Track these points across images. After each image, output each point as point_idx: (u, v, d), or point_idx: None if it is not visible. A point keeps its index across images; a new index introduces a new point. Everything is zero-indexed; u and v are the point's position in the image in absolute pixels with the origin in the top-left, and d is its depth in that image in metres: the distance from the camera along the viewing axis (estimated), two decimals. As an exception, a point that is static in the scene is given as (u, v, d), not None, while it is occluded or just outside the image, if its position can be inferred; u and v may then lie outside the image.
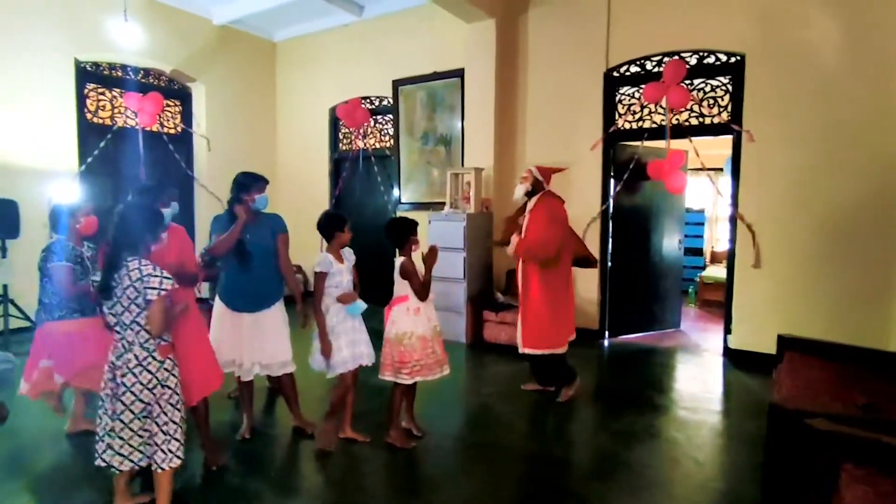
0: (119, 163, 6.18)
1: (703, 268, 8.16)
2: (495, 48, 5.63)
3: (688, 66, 4.76)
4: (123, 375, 2.09)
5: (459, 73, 6.03)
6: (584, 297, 5.52)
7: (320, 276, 2.81)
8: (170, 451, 2.16)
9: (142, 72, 6.50)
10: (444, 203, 5.86)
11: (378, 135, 7.10)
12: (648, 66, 5.21)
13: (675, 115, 5.00)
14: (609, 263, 5.50)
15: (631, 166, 5.24)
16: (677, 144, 5.00)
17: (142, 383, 2.11)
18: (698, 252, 8.53)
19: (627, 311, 5.58)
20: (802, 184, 4.44)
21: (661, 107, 5.07)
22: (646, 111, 5.28)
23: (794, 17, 4.42)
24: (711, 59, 4.88)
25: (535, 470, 2.82)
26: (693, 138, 4.95)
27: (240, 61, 7.33)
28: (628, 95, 5.37)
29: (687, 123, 5.04)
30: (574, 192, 5.54)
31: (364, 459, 2.92)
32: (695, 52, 4.94)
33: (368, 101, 7.00)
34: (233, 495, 2.53)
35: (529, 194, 3.82)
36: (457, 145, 6.15)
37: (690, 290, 7.50)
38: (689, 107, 4.93)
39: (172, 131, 6.84)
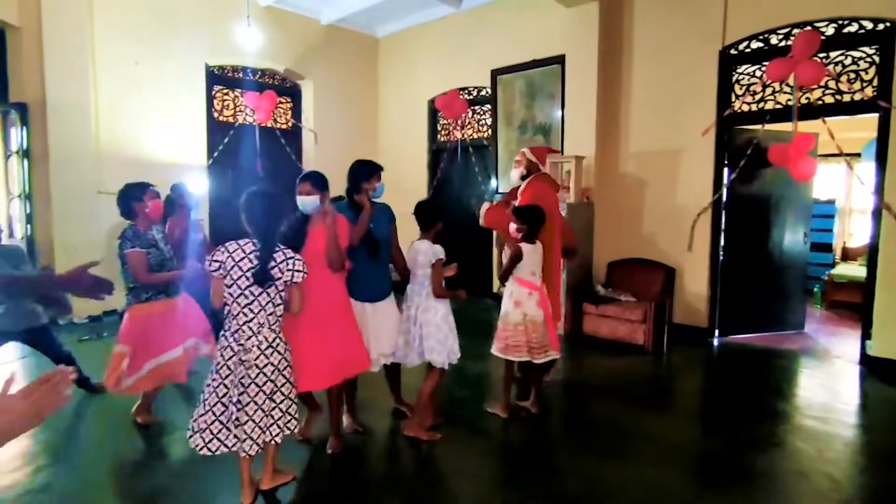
0: (239, 157, 6.75)
1: (833, 265, 7.31)
2: (597, 31, 5.40)
3: (823, 37, 4.25)
4: (256, 358, 2.19)
5: (559, 60, 5.86)
6: (691, 292, 5.17)
7: (440, 263, 2.84)
8: (285, 423, 2.28)
9: (258, 72, 7.03)
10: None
11: (476, 125, 7.12)
12: (773, 40, 4.72)
13: (804, 93, 4.50)
14: (721, 257, 5.09)
15: (749, 152, 4.80)
16: (805, 127, 4.50)
17: (273, 364, 2.22)
18: (826, 248, 7.64)
19: (742, 308, 5.14)
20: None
21: (787, 85, 4.58)
22: (768, 91, 4.79)
23: (964, -28, 3.78)
24: (853, 28, 4.31)
25: (642, 473, 2.68)
26: (827, 119, 4.42)
27: (345, 58, 7.68)
28: (748, 74, 4.90)
29: (819, 102, 4.51)
30: (682, 180, 5.21)
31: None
32: (832, 20, 4.39)
33: (466, 91, 7.03)
34: (345, 477, 2.70)
35: (525, 177, 3.68)
36: (556, 134, 6.00)
37: (816, 289, 6.74)
38: (823, 83, 4.41)
39: (284, 126, 7.34)
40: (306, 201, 2.60)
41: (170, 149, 6.03)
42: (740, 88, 4.93)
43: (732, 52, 4.92)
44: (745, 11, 4.78)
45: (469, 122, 7.16)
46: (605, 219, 5.59)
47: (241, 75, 6.87)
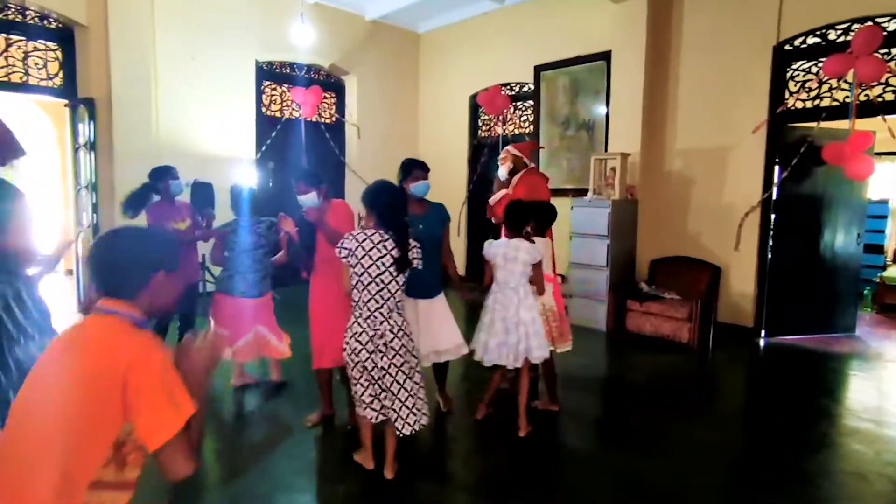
0: (285, 150, 6.94)
1: (884, 267, 7.08)
2: (646, 27, 5.36)
3: (884, 33, 4.14)
4: (391, 341, 2.34)
5: (605, 56, 5.84)
6: (737, 292, 5.12)
7: (541, 262, 2.91)
8: (415, 411, 2.41)
9: (305, 68, 7.21)
10: (584, 190, 5.77)
11: (517, 121, 7.15)
12: (832, 35, 4.62)
13: (863, 90, 4.39)
14: (769, 256, 5.02)
15: (802, 150, 4.71)
16: (861, 124, 4.39)
17: (405, 346, 2.39)
18: (878, 249, 7.41)
19: (789, 309, 5.05)
20: None
21: (845, 82, 4.48)
22: (825, 88, 4.70)
23: None
24: (918, 24, 4.19)
25: (688, 472, 2.70)
26: (887, 116, 4.31)
27: (387, 54, 7.79)
28: (803, 71, 4.81)
29: (880, 100, 4.39)
30: (730, 178, 5.15)
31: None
32: (894, 15, 4.27)
33: (509, 87, 7.05)
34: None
35: (512, 173, 3.72)
36: (600, 130, 5.99)
37: (866, 292, 6.56)
38: (883, 80, 4.30)
39: (328, 121, 7.51)
40: (305, 199, 2.81)
41: (221, 142, 6.25)
42: (795, 85, 4.83)
43: (787, 47, 4.83)
44: (802, 6, 4.68)
45: (511, 118, 7.19)
46: (649, 216, 5.56)
47: (288, 71, 7.06)
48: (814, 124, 4.70)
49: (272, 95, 6.96)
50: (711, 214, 5.27)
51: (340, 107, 7.63)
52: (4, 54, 5.11)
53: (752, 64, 4.96)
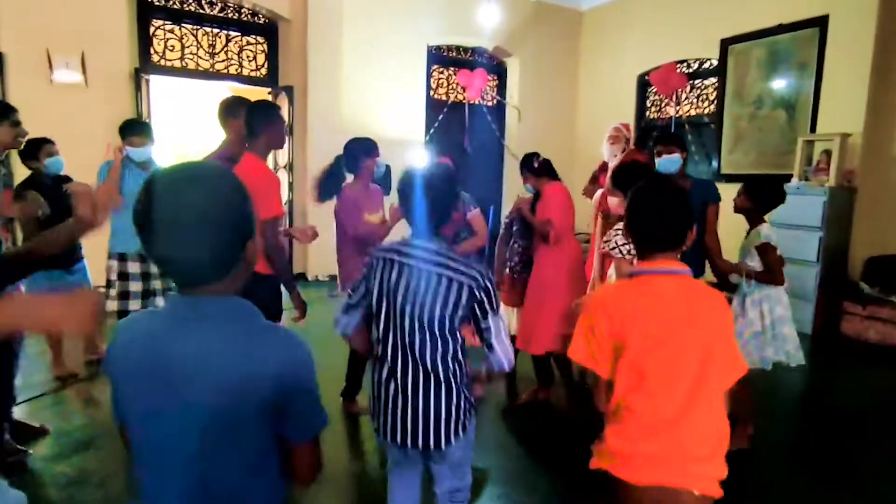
0: (448, 132, 7.10)
1: None
2: (878, -16, 4.60)
3: None
4: None
5: (818, 22, 5.12)
6: None
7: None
8: None
9: (470, 51, 7.28)
10: (781, 176, 5.16)
11: (694, 101, 6.60)
12: None
13: None
14: None
15: None
16: None
17: None
18: None
19: None
20: None
21: None
22: None
23: None
24: None
25: None
26: None
27: (549, 33, 7.58)
28: None
29: None
30: None
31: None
32: None
33: (685, 64, 6.52)
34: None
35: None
36: (804, 109, 5.29)
37: None
38: None
39: (490, 104, 7.54)
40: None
41: (396, 125, 6.54)
42: None
43: None
44: None
45: (686, 98, 6.66)
46: (870, 206, 4.83)
47: (454, 54, 7.18)
48: None
49: (439, 79, 7.14)
50: (955, 206, 4.43)
51: (502, 89, 7.62)
52: (224, 49, 5.80)
53: None
